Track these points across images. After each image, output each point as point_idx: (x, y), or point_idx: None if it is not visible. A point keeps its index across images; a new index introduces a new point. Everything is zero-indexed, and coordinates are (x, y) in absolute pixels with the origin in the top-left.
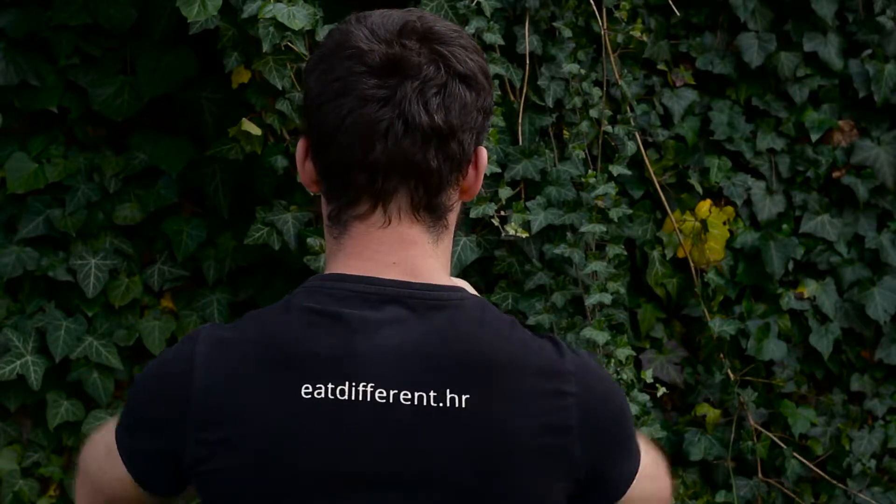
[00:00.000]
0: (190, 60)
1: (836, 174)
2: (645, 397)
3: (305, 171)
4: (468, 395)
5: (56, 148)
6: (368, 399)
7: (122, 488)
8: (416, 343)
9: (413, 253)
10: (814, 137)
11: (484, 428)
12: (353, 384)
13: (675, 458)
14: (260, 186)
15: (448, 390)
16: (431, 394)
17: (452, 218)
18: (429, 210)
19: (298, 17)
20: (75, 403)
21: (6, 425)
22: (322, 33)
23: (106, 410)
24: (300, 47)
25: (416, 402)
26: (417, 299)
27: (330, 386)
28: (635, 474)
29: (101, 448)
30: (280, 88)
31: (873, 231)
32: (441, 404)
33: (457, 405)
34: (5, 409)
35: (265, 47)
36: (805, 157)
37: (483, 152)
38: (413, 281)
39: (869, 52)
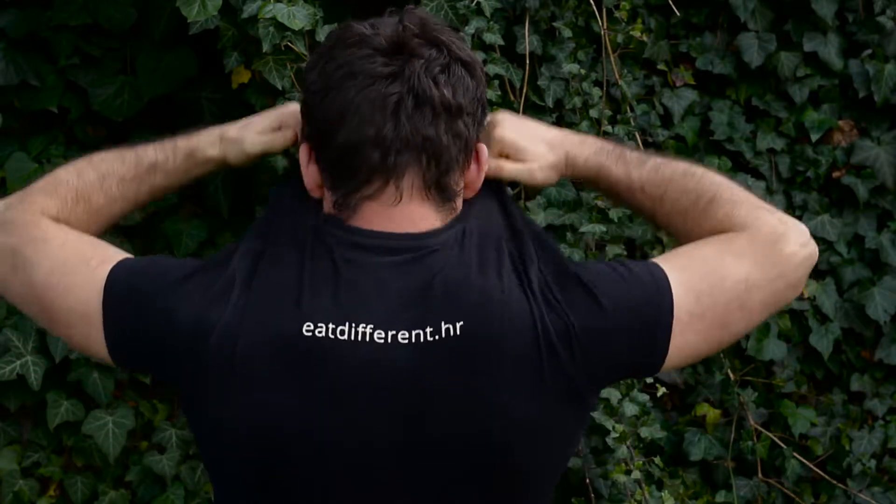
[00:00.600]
0: (190, 60)
1: (836, 174)
2: (645, 397)
3: (309, 175)
4: (462, 322)
5: (56, 148)
6: (367, 339)
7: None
8: (412, 286)
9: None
10: (814, 137)
11: (481, 345)
12: (353, 325)
13: (675, 458)
14: (260, 186)
15: (443, 322)
16: (427, 329)
17: (460, 204)
18: (438, 189)
19: (298, 17)
20: (75, 403)
21: (6, 425)
22: (322, 33)
23: (106, 410)
24: (300, 47)
25: (413, 340)
26: (415, 249)
27: (330, 326)
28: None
29: (87, 250)
30: (280, 88)
31: (873, 231)
32: (437, 337)
33: (451, 334)
34: (5, 409)
35: (265, 47)
36: (805, 157)
37: (483, 149)
38: (415, 232)
39: (869, 52)
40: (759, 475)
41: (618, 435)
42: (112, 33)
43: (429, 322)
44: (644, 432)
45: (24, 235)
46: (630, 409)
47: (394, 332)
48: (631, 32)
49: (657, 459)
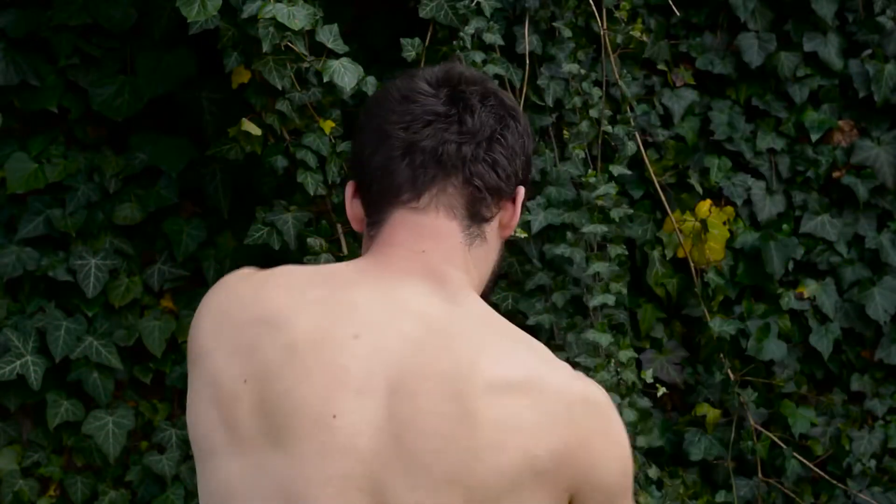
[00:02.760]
0: (190, 60)
1: (836, 174)
2: (646, 403)
3: (353, 210)
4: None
5: (56, 148)
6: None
7: None
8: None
9: (444, 246)
10: (814, 137)
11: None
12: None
13: (675, 458)
14: (260, 186)
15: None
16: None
17: (490, 232)
18: (468, 209)
19: (298, 17)
20: (75, 403)
21: (6, 425)
22: (322, 33)
23: (106, 410)
24: (300, 47)
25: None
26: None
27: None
28: None
29: None
30: (280, 88)
31: (873, 231)
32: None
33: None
34: (5, 409)
35: (265, 47)
36: (805, 157)
37: (522, 191)
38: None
39: (869, 52)
40: (759, 475)
41: None
42: (112, 33)
43: None
44: (640, 441)
45: None
46: (628, 416)
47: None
48: (631, 32)
49: (653, 466)
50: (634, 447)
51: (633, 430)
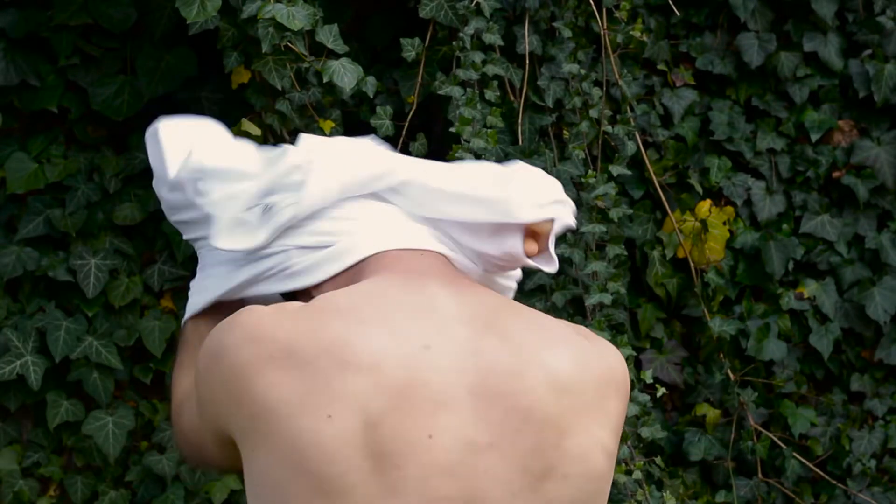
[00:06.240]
0: (190, 60)
1: (836, 174)
2: (645, 398)
3: None
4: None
5: (56, 148)
6: None
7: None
8: None
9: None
10: (814, 137)
11: None
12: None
13: (675, 458)
14: None
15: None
16: None
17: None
18: None
19: (298, 18)
20: (75, 403)
21: (6, 425)
22: (322, 33)
23: (106, 410)
24: (300, 47)
25: None
26: None
27: None
28: None
29: None
30: (280, 88)
31: (873, 231)
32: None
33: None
34: (5, 409)
35: (265, 48)
36: (805, 157)
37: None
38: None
39: (869, 52)
40: (759, 475)
41: None
42: (112, 33)
43: None
44: (645, 432)
45: None
46: (630, 410)
47: None
48: (631, 32)
49: (658, 459)
50: (638, 440)
51: (636, 423)
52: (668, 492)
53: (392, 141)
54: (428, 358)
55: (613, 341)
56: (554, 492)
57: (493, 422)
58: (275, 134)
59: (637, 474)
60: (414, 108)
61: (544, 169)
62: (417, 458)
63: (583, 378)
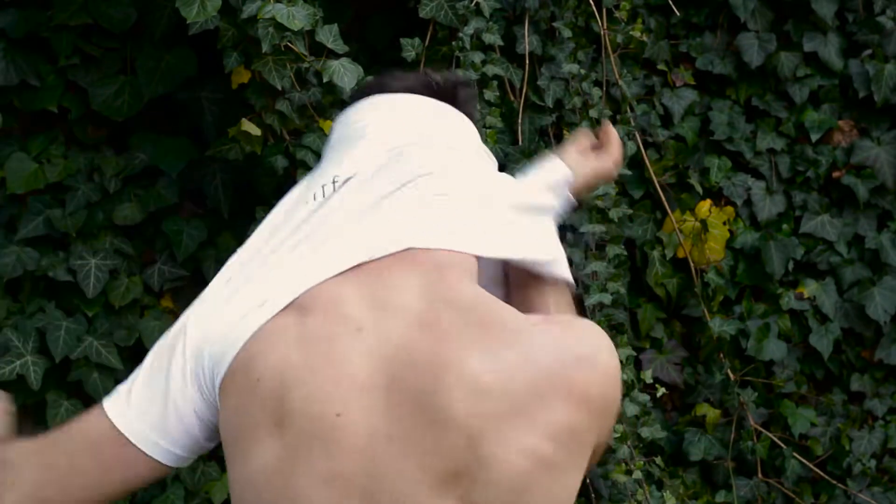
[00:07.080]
0: (190, 60)
1: (836, 174)
2: (645, 397)
3: None
4: None
5: (56, 148)
6: None
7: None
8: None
9: None
10: (814, 137)
11: None
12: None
13: (675, 458)
14: (260, 186)
15: None
16: None
17: None
18: None
19: (298, 18)
20: (75, 403)
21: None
22: (322, 33)
23: None
24: (300, 47)
25: None
26: None
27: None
28: None
29: None
30: (280, 88)
31: (873, 231)
32: None
33: None
34: None
35: (265, 48)
36: (805, 157)
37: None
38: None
39: (869, 52)
40: (759, 475)
41: (618, 435)
42: (112, 33)
43: None
44: (645, 432)
45: None
46: (630, 410)
47: None
48: (631, 32)
49: (658, 459)
50: (638, 440)
51: (636, 423)
52: (668, 492)
53: None
54: (359, 339)
55: (613, 341)
56: (467, 496)
57: (400, 416)
58: (275, 134)
59: (637, 474)
60: None
61: None
62: (321, 431)
63: (510, 383)
